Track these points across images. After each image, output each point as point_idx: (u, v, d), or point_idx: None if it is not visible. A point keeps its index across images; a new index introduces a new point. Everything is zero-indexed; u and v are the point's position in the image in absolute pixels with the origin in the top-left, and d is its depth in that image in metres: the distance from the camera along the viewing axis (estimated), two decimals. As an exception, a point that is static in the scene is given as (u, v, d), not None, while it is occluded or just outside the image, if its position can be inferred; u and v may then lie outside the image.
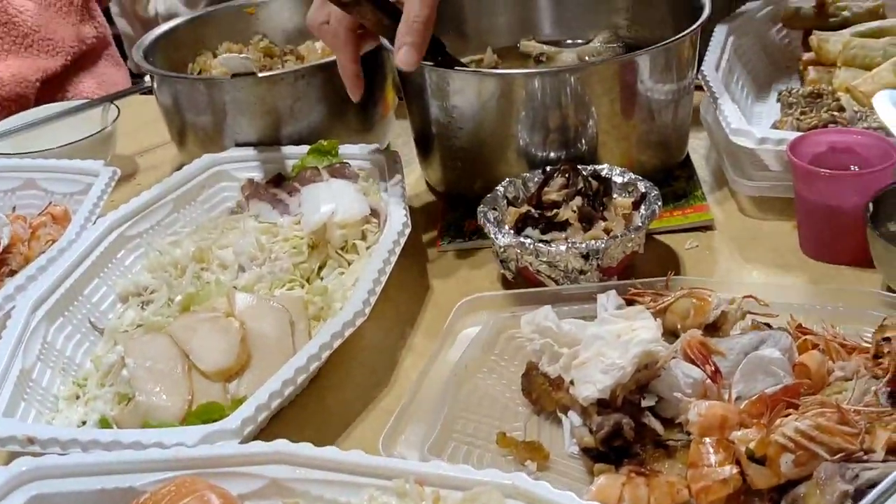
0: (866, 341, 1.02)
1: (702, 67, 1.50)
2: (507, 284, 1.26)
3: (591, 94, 1.32)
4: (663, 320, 1.04)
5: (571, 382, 0.98)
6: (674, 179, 1.45)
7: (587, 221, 1.23)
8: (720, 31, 1.61)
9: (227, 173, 1.47)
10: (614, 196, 1.29)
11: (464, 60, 1.48)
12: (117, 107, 1.70)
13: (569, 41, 1.64)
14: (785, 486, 0.86)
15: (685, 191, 1.42)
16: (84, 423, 1.09)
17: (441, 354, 1.11)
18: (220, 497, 0.84)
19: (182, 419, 1.05)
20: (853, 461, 0.84)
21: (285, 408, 1.09)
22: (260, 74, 1.46)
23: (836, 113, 1.37)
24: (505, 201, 1.30)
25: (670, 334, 1.05)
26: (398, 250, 1.22)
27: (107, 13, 2.93)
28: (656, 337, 0.97)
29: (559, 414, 1.02)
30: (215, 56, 1.70)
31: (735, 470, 0.87)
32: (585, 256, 1.18)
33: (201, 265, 1.31)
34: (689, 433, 0.92)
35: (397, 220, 1.26)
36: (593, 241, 1.18)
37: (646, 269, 1.26)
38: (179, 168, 1.46)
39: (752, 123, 1.50)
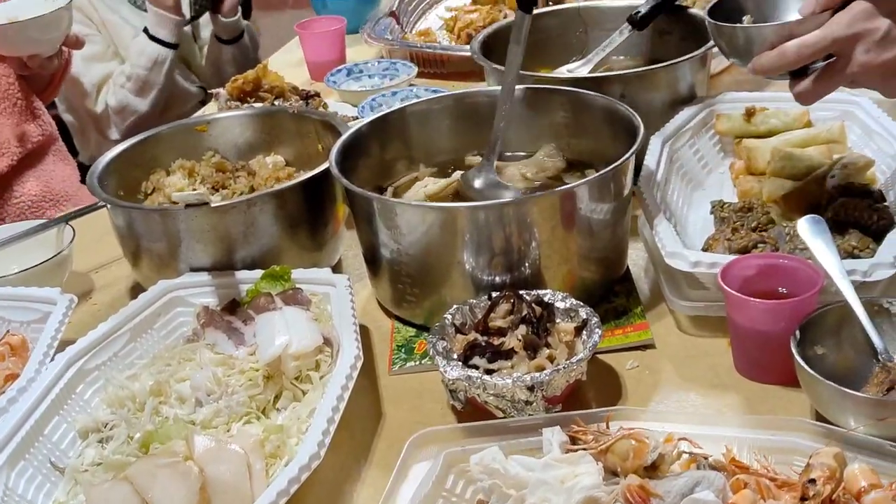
0: (797, 472, 1.08)
1: (638, 182, 1.56)
2: (457, 411, 1.30)
3: (532, 222, 1.38)
4: (604, 461, 1.09)
5: (519, 527, 1.03)
6: (614, 295, 1.51)
7: (532, 349, 1.29)
8: (655, 142, 1.68)
9: (182, 299, 1.50)
10: (557, 321, 1.34)
11: (405, 179, 1.64)
12: (72, 227, 1.70)
13: (509, 154, 1.71)
14: None
15: (626, 307, 1.48)
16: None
17: (395, 492, 1.15)
18: None
19: (144, 571, 1.08)
20: None
21: (243, 552, 1.12)
22: (213, 204, 1.49)
23: (764, 232, 1.43)
24: (453, 328, 1.35)
25: (611, 473, 1.10)
26: (351, 385, 1.26)
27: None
28: (597, 483, 1.03)
29: (510, 553, 1.07)
30: (168, 174, 1.74)
31: None
32: (531, 388, 1.23)
33: (159, 399, 1.34)
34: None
35: (349, 354, 1.30)
36: (538, 374, 1.24)
37: (589, 394, 1.32)
38: (134, 286, 1.49)
39: (688, 233, 1.58)
